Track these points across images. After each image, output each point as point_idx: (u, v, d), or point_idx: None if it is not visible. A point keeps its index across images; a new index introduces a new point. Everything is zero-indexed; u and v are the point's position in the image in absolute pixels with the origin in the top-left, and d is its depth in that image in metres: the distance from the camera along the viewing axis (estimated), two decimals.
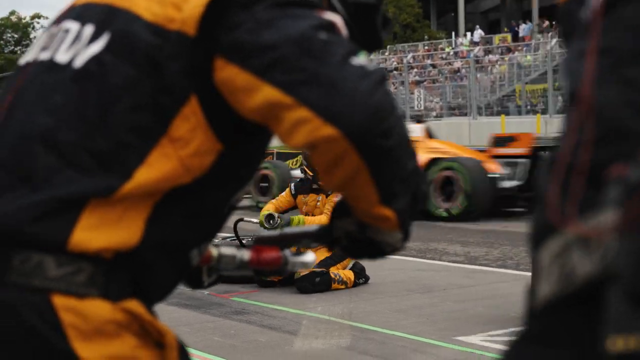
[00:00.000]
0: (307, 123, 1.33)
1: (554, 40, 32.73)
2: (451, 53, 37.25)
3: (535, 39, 34.97)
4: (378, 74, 1.37)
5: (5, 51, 56.21)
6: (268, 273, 1.77)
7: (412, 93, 30.13)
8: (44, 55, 1.49)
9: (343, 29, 1.43)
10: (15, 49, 57.43)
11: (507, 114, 27.94)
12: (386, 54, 39.85)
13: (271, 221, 8.19)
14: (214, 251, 1.68)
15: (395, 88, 32.21)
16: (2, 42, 57.72)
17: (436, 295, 7.53)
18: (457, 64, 34.46)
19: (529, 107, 29.86)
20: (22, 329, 1.33)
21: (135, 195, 1.37)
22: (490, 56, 34.27)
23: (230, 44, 1.38)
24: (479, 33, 39.34)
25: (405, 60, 33.18)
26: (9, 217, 1.35)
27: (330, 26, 1.39)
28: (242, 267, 1.70)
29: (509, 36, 37.39)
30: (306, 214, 8.42)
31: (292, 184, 8.79)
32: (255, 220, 8.57)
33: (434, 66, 35.07)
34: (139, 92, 1.39)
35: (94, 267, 1.35)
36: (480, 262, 9.36)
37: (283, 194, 8.74)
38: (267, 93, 1.35)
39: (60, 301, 1.34)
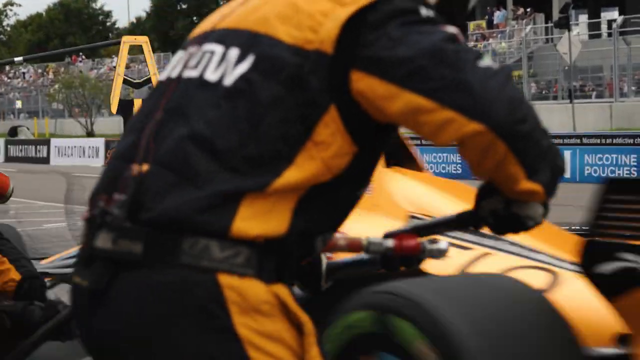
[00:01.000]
0: (453, 122, 1.56)
1: (529, 27, 32.88)
2: None
3: (510, 25, 35.11)
4: (504, 71, 1.60)
5: None
6: (398, 264, 1.95)
7: None
8: (192, 73, 1.70)
9: (462, 38, 1.63)
10: None
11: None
12: None
13: None
14: (363, 240, 1.88)
15: None
16: None
17: None
18: None
19: None
20: (192, 302, 1.54)
21: (283, 190, 1.59)
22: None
23: (368, 59, 1.60)
24: None
25: None
26: (179, 209, 1.57)
27: (454, 37, 1.61)
28: (386, 253, 1.90)
29: (483, 23, 37.52)
30: None
31: None
32: None
33: None
34: (286, 106, 1.60)
35: (249, 251, 1.57)
36: None
37: None
38: (408, 99, 1.57)
39: (225, 280, 1.55)
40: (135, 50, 11.03)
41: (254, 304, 1.55)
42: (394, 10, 1.61)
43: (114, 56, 45.22)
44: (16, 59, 11.17)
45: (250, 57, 1.64)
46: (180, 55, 1.78)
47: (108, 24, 67.57)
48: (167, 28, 58.20)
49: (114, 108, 9.98)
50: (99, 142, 29.45)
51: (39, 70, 50.45)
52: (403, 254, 1.90)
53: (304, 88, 1.59)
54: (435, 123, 1.57)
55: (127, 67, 10.63)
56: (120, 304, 1.59)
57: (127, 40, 10.57)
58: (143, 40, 10.79)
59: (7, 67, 49.67)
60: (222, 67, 1.66)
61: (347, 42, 1.60)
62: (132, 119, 1.80)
